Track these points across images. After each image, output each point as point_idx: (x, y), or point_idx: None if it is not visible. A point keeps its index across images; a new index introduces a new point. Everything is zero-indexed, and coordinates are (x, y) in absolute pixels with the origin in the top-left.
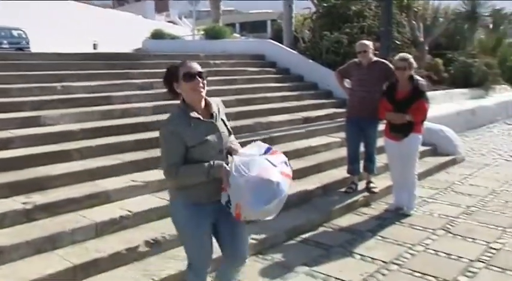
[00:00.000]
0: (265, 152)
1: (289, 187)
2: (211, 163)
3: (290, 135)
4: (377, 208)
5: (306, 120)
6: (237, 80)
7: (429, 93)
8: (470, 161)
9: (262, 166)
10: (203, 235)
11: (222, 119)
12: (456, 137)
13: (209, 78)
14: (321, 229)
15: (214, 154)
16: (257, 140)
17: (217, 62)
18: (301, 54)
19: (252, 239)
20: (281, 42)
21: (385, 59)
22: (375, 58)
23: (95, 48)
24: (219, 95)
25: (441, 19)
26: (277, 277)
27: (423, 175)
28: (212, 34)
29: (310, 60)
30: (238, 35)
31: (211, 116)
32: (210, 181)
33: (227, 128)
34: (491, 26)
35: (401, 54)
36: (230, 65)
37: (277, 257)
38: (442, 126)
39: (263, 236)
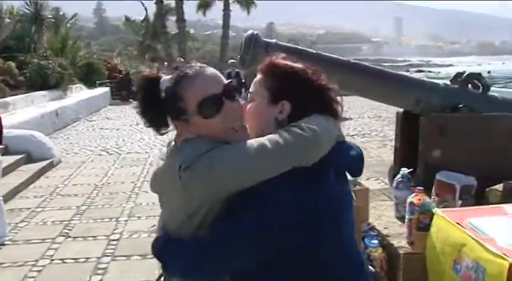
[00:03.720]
0: None
1: None
2: None
3: None
4: None
5: None
6: None
7: (10, 99)
8: (67, 162)
9: None
10: None
11: None
12: (48, 140)
13: None
14: None
15: None
16: None
17: None
18: None
19: None
20: None
21: None
22: None
23: None
24: None
25: (8, 20)
26: None
27: (24, 185)
28: None
29: None
30: None
31: None
32: None
33: None
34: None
35: None
36: None
37: None
38: (33, 131)
39: None
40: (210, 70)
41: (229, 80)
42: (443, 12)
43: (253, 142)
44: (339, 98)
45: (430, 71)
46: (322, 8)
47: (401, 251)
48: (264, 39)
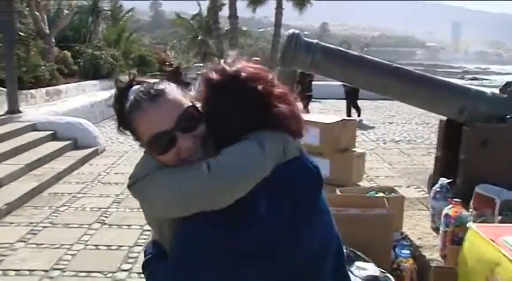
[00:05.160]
0: None
1: None
2: None
3: None
4: (24, 214)
5: None
6: None
7: (62, 87)
8: (110, 151)
9: None
10: None
11: None
12: (95, 129)
13: None
14: None
15: None
16: None
17: None
18: None
19: None
20: None
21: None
22: None
23: None
24: None
25: (66, 11)
26: None
27: (68, 171)
28: None
29: None
30: None
31: None
32: None
33: None
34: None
35: None
36: None
37: None
38: (81, 119)
39: None
40: (167, 97)
41: (189, 105)
42: (503, 16)
43: (171, 179)
44: (290, 109)
45: (485, 79)
46: (373, 8)
47: (432, 264)
48: (305, 39)
